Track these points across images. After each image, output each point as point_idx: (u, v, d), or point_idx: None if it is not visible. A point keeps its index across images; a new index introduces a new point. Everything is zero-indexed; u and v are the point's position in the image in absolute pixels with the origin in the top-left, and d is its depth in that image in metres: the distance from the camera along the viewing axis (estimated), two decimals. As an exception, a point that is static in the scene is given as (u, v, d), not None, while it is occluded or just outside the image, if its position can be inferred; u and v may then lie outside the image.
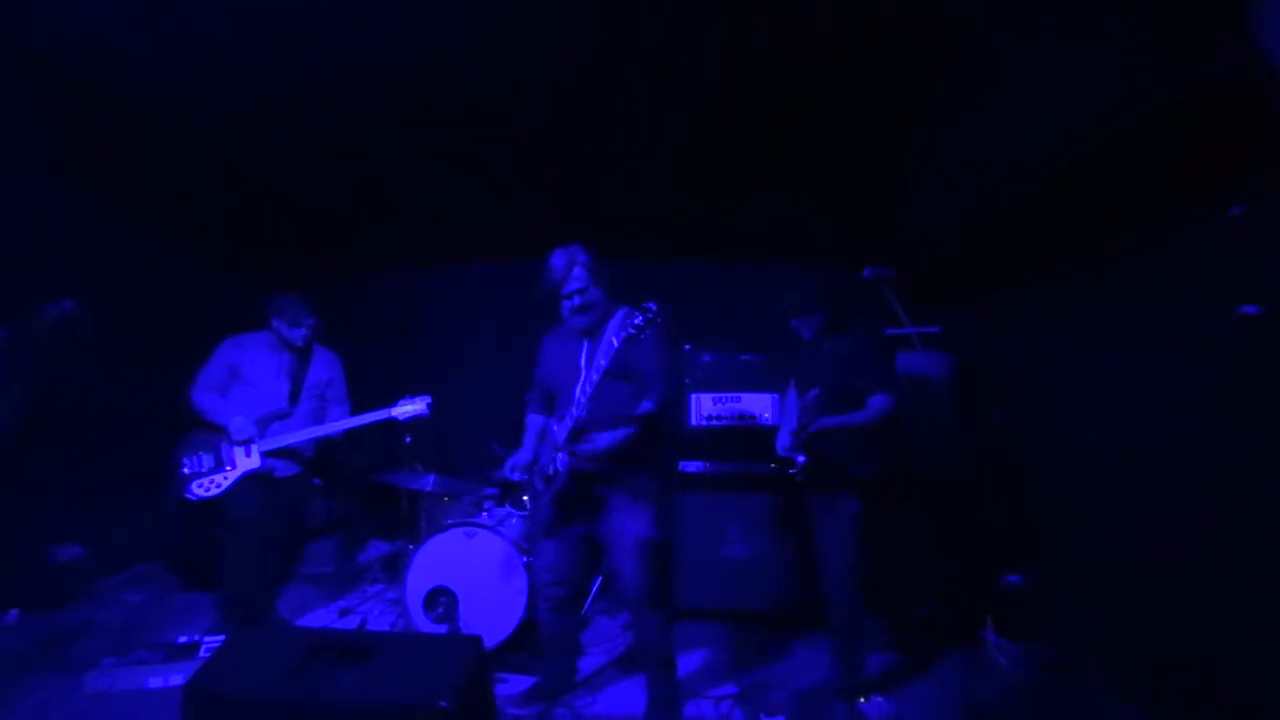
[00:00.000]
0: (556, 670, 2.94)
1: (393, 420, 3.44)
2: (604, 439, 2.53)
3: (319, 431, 3.45)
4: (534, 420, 2.94)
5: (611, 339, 2.47)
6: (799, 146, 3.57)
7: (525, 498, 3.86)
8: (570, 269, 2.64)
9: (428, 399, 3.44)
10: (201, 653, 3.12)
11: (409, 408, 3.42)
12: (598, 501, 2.69)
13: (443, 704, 1.87)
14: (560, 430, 2.63)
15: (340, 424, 3.47)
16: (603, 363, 2.49)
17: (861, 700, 2.91)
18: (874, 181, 3.83)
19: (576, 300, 2.65)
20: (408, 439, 3.78)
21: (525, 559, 3.40)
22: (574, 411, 2.56)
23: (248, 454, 3.32)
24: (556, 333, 2.88)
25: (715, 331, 4.38)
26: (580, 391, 2.56)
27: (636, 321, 2.38)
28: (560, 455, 2.63)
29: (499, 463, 4.35)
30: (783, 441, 3.02)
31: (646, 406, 2.57)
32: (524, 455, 2.86)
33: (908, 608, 3.60)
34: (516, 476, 2.82)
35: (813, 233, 4.73)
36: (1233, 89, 1.93)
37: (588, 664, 3.27)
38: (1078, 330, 3.18)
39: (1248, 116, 2.00)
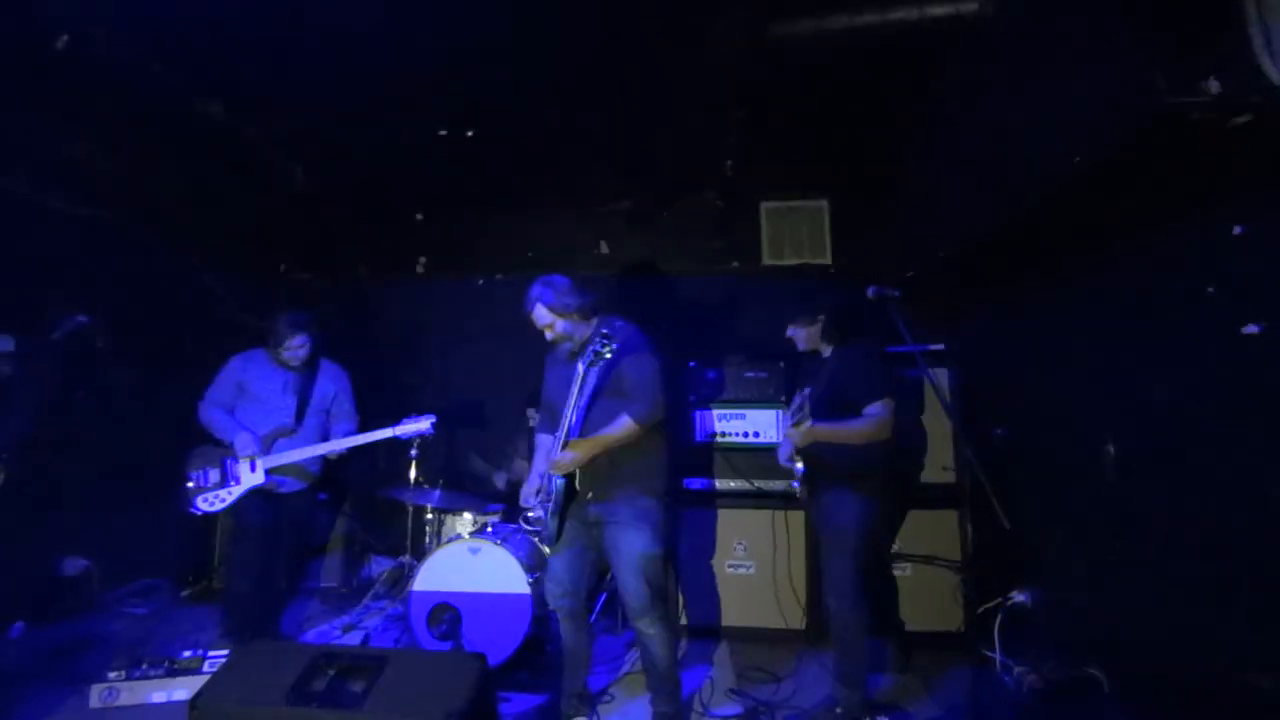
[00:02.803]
0: (569, 691, 2.90)
1: (396, 439, 3.46)
2: (567, 454, 2.62)
3: (323, 450, 3.46)
4: (542, 440, 3.01)
5: (579, 366, 2.58)
6: (803, 159, 3.60)
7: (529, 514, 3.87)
8: (533, 307, 2.78)
9: (432, 418, 3.45)
10: (205, 668, 3.12)
11: (413, 426, 3.43)
12: (595, 517, 2.73)
13: (447, 721, 1.87)
14: (555, 449, 2.68)
15: (344, 442, 3.48)
16: (587, 387, 2.60)
17: (866, 720, 2.90)
18: (879, 195, 3.85)
19: (547, 335, 2.81)
20: (413, 454, 3.79)
21: (530, 576, 3.40)
22: (566, 431, 2.64)
23: (252, 470, 3.34)
24: (555, 353, 2.94)
25: (721, 346, 4.40)
26: (573, 411, 2.64)
27: (596, 348, 2.50)
28: (554, 475, 2.69)
29: (489, 484, 4.41)
30: (784, 450, 3.07)
31: (622, 421, 2.64)
32: (533, 479, 2.94)
33: (912, 625, 3.59)
34: (531, 502, 2.87)
35: (818, 247, 4.76)
36: (1231, 106, 1.95)
37: (593, 683, 3.26)
38: (1080, 344, 3.19)
39: (1246, 133, 2.02)
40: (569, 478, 2.67)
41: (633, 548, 2.64)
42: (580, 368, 2.57)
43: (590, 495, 2.71)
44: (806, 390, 2.92)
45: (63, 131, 3.34)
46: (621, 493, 2.68)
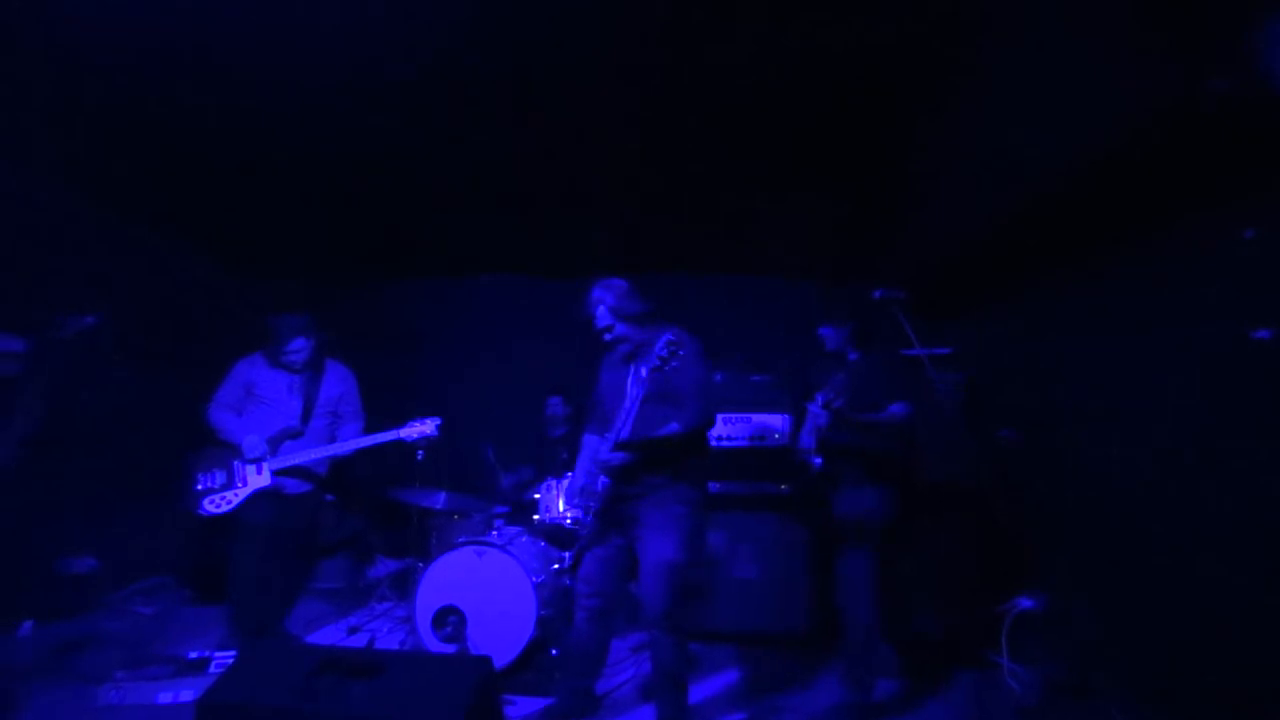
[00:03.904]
0: (574, 691, 2.91)
1: (402, 441, 3.47)
2: (617, 455, 2.66)
3: (328, 452, 3.47)
4: (589, 440, 3.08)
5: (641, 370, 2.58)
6: (807, 162, 3.60)
7: (536, 517, 3.87)
8: (595, 308, 2.83)
9: (437, 420, 3.46)
10: (212, 668, 3.13)
11: (418, 429, 3.45)
12: (631, 519, 2.76)
13: (453, 724, 1.87)
14: (603, 450, 2.72)
15: (349, 444, 3.49)
16: (639, 390, 2.62)
17: (873, 726, 2.89)
18: (884, 198, 3.84)
19: (605, 336, 2.85)
20: (419, 455, 3.80)
21: (535, 579, 3.40)
22: (616, 433, 2.66)
23: (259, 472, 3.36)
24: (610, 356, 3.00)
25: (725, 349, 4.39)
26: (624, 414, 2.67)
27: (662, 354, 2.50)
28: (602, 476, 2.74)
29: (496, 474, 4.43)
30: (805, 435, 3.10)
31: (673, 428, 2.67)
32: (578, 478, 3.00)
33: (919, 630, 3.58)
34: (574, 502, 2.90)
35: (826, 252, 4.75)
36: (1241, 108, 1.95)
37: (599, 686, 3.25)
38: (1087, 348, 3.18)
39: (1256, 136, 2.02)
40: (614, 478, 2.71)
41: (659, 554, 2.66)
42: (643, 372, 2.58)
43: (629, 497, 2.74)
44: (840, 377, 3.04)
45: (70, 132, 3.36)
46: (656, 497, 2.72)
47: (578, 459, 3.10)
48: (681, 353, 2.52)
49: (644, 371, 2.55)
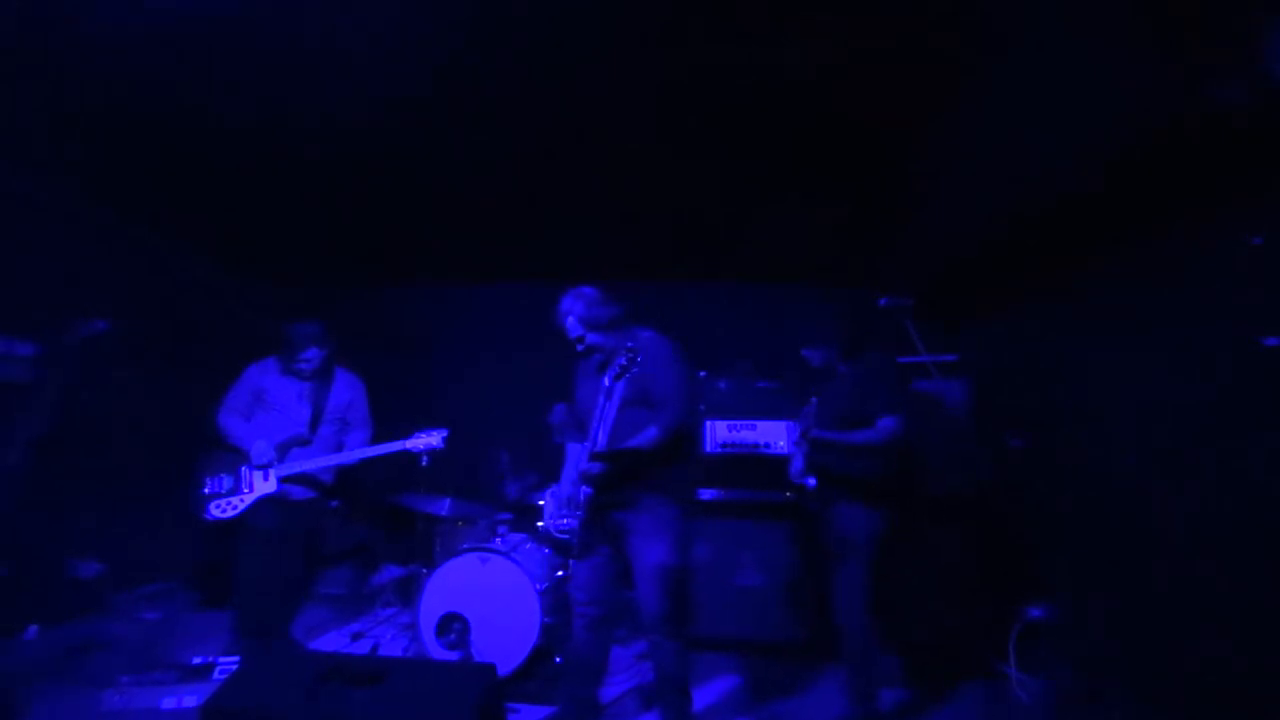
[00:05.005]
0: (577, 700, 2.86)
1: (407, 452, 3.46)
2: (595, 465, 2.62)
3: (335, 460, 3.47)
4: (573, 450, 3.05)
5: (605, 378, 2.56)
6: (809, 164, 3.58)
7: (539, 524, 3.86)
8: (565, 319, 2.81)
9: (444, 432, 3.44)
10: (216, 674, 3.13)
11: (424, 440, 3.43)
12: (619, 526, 2.73)
13: (455, 734, 1.86)
14: (582, 459, 2.69)
15: (355, 454, 3.49)
16: (613, 398, 2.58)
17: (878, 735, 2.86)
18: (891, 204, 3.82)
19: (578, 347, 2.82)
20: (424, 461, 3.79)
21: (539, 586, 3.38)
22: (593, 441, 2.63)
23: (265, 478, 3.36)
24: (585, 364, 2.97)
25: (731, 356, 4.37)
26: (598, 422, 2.63)
27: (621, 362, 2.48)
28: (584, 486, 2.70)
29: (506, 480, 4.40)
30: (795, 466, 3.08)
31: (651, 433, 2.64)
32: (564, 488, 2.97)
33: (923, 638, 3.54)
34: (563, 511, 2.86)
35: (830, 257, 4.73)
36: (1247, 112, 1.93)
37: (602, 694, 3.23)
38: (1096, 355, 3.15)
39: (1261, 140, 2.00)
40: (596, 487, 2.67)
41: (652, 558, 2.64)
42: (606, 381, 2.56)
43: (615, 504, 2.71)
44: (813, 402, 3.01)
45: (70, 132, 3.37)
46: (645, 502, 2.68)
47: (564, 468, 3.05)
48: (640, 358, 2.49)
49: (606, 381, 2.53)
